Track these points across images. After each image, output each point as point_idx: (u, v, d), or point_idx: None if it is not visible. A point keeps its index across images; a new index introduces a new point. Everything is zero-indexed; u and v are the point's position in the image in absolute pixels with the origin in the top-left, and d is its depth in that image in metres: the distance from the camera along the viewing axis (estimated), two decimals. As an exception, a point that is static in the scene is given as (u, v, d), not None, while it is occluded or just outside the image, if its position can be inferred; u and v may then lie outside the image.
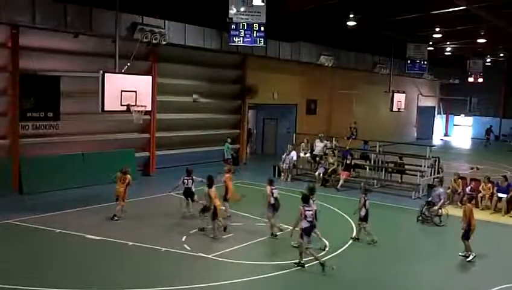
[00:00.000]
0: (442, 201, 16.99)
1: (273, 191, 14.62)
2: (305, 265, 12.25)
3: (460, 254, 13.41)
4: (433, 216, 17.11)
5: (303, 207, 12.24)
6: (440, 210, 17.02)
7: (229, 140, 25.80)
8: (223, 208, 15.49)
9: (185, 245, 13.53)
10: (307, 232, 12.15)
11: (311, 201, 12.74)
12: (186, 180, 16.34)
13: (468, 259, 13.26)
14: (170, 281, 11.08)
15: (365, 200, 14.47)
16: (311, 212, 12.22)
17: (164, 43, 20.97)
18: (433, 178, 22.33)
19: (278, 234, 14.62)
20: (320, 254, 12.96)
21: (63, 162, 20.05)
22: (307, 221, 12.14)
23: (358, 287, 11.66)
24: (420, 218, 17.31)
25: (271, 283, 11.63)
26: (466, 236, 13.27)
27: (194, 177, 16.38)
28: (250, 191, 19.17)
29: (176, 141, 25.17)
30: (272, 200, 14.51)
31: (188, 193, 16.33)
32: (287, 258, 12.89)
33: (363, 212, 14.41)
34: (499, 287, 11.64)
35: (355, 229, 15.53)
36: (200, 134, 26.43)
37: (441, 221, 16.99)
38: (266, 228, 14.84)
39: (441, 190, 17.51)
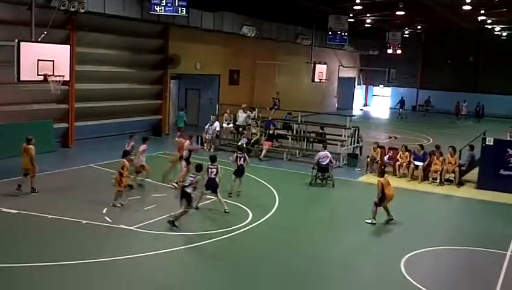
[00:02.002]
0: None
1: None
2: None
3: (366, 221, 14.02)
4: (326, 179, 18.46)
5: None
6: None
7: (184, 110, 26.79)
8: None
9: (106, 217, 13.34)
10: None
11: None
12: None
13: (367, 220, 13.97)
14: (92, 254, 10.90)
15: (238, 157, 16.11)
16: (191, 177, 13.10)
17: (82, 11, 20.12)
18: (353, 147, 23.19)
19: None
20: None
21: (-25, 134, 19.06)
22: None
23: (280, 252, 11.92)
24: (314, 181, 18.34)
25: (192, 253, 11.70)
26: (378, 204, 13.95)
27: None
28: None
29: (96, 112, 24.50)
30: None
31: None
32: (210, 228, 13.02)
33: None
34: (416, 251, 12.23)
35: (277, 198, 15.89)
36: (121, 104, 25.83)
37: (333, 185, 18.27)
38: None
39: (327, 152, 18.63)
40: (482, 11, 34.62)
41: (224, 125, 25.54)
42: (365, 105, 55.43)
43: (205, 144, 24.15)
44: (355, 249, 12.45)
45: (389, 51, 46.88)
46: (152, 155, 21.71)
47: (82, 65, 22.92)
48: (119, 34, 25.05)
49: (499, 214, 16.33)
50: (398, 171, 20.33)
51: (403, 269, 11.12)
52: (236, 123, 25.56)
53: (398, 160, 20.50)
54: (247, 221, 13.69)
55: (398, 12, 33.43)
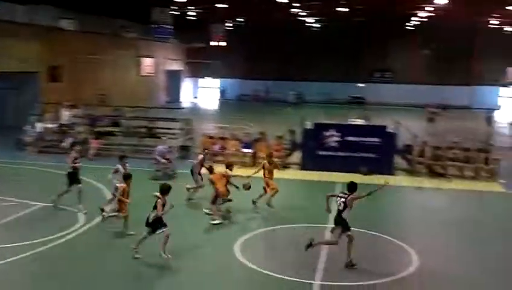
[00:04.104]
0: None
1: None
2: None
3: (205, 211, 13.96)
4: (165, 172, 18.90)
5: None
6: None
7: None
8: None
9: None
10: None
11: None
12: None
13: (212, 222, 13.59)
14: None
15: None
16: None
17: None
18: (185, 139, 23.36)
19: None
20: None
21: None
22: None
23: (116, 256, 11.66)
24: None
25: (20, 264, 10.96)
26: (213, 201, 13.80)
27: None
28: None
29: None
30: None
31: None
32: (38, 235, 12.22)
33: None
34: (249, 234, 12.86)
35: (108, 199, 15.36)
36: None
37: (172, 176, 18.64)
38: None
39: (160, 147, 19.06)
40: (296, 4, 36.85)
41: (48, 125, 24.11)
42: (194, 97, 56.10)
43: (28, 147, 22.64)
44: (188, 240, 12.50)
45: (214, 43, 47.88)
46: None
47: None
48: None
49: (320, 191, 17.57)
50: (229, 159, 20.91)
51: (236, 252, 11.56)
52: (61, 122, 24.32)
53: (227, 149, 21.09)
54: (78, 225, 13.09)
55: (220, 5, 34.28)
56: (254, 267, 10.80)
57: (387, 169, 19.68)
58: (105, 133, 23.31)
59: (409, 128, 22.49)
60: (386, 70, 54.00)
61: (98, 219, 13.41)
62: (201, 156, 16.06)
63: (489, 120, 35.33)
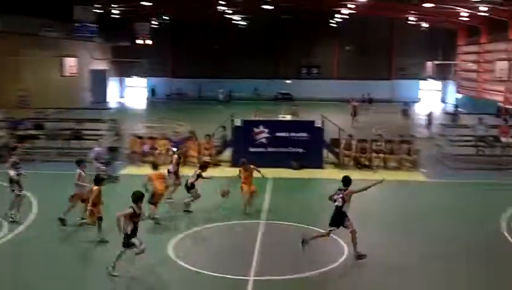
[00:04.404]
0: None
1: None
2: None
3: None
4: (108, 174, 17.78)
5: None
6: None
7: None
8: None
9: None
10: None
11: None
12: None
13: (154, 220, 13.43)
14: None
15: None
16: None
17: None
18: (112, 140, 22.88)
19: None
20: None
21: None
22: None
23: (36, 268, 11.31)
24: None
25: None
26: (150, 201, 13.43)
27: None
28: None
29: None
30: None
31: None
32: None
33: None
34: (182, 234, 12.81)
35: (37, 205, 14.82)
36: None
37: (115, 179, 17.91)
38: None
39: (97, 149, 18.36)
40: (223, 2, 36.92)
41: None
42: (121, 97, 55.04)
43: None
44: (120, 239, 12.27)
45: (140, 42, 47.15)
46: None
47: None
48: None
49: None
50: (159, 159, 20.69)
51: (170, 252, 11.49)
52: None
53: (157, 149, 20.87)
54: (2, 234, 12.53)
55: (144, 3, 33.80)
56: (188, 266, 10.76)
57: (317, 163, 20.18)
58: (27, 137, 22.42)
59: (335, 123, 23.04)
60: (313, 67, 55.12)
61: (22, 227, 13.00)
62: (175, 156, 15.98)
63: (405, 112, 36.57)
